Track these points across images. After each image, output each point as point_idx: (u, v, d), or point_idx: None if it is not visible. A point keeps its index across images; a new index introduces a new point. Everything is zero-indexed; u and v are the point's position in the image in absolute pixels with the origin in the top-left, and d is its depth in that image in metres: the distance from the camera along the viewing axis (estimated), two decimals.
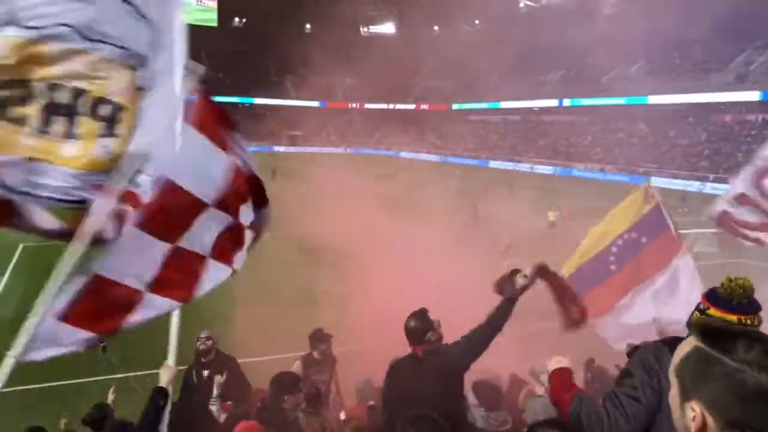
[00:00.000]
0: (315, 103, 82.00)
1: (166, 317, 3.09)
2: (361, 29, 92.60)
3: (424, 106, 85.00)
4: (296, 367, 6.16)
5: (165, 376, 3.33)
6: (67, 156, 2.30)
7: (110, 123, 2.39)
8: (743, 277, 2.36)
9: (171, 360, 3.37)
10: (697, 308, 2.47)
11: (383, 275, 8.79)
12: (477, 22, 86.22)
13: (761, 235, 5.35)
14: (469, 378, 4.06)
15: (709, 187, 43.25)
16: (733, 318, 2.29)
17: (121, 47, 2.38)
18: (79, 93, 2.32)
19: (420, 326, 3.80)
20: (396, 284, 8.36)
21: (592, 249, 5.09)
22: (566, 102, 64.81)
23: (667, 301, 6.14)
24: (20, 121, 2.22)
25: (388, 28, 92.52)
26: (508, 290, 3.82)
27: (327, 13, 60.35)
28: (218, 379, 5.70)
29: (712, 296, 2.41)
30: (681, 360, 1.24)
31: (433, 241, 16.45)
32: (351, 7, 75.39)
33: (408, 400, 3.70)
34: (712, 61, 53.76)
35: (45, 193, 2.28)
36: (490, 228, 19.41)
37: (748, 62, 50.95)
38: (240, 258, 3.15)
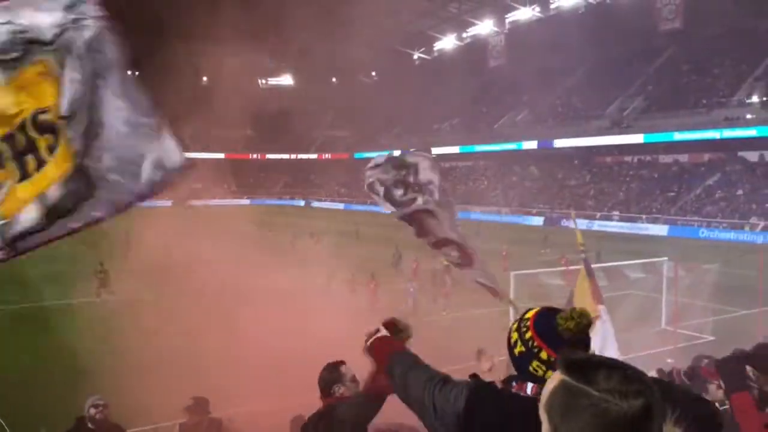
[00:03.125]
0: (214, 155, 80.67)
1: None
2: (259, 81, 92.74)
3: (327, 156, 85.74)
4: None
5: None
6: None
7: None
8: (587, 312, 1.95)
9: None
10: (533, 356, 1.96)
11: (275, 331, 8.67)
12: (374, 73, 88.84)
13: None
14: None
15: (596, 225, 46.12)
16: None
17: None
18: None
19: (327, 377, 3.62)
20: (290, 341, 8.26)
21: None
22: (461, 148, 67.43)
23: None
24: None
25: (286, 80, 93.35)
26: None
27: (223, 65, 60.05)
28: None
29: (554, 341, 1.93)
30: (549, 395, 1.23)
31: (340, 292, 16.47)
32: (247, 59, 75.47)
33: None
34: (590, 108, 58.12)
35: None
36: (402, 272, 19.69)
37: (622, 108, 55.54)
38: None
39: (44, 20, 2.51)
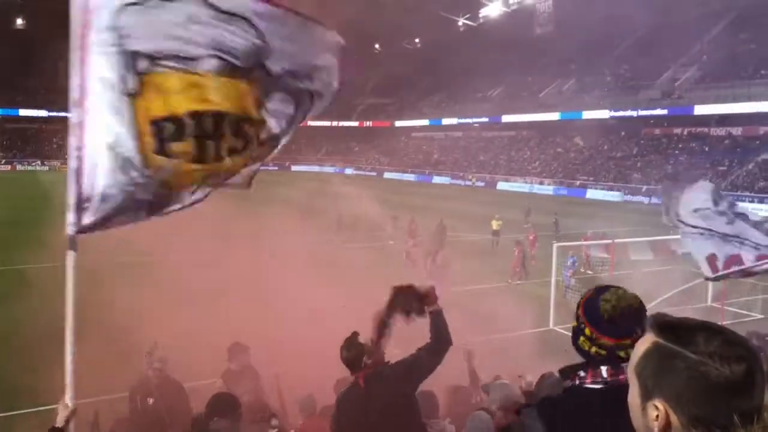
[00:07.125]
0: None
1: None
2: None
3: (368, 123, 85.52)
4: (219, 385, 5.85)
5: (62, 414, 2.93)
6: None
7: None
8: (632, 295, 2.01)
9: (69, 395, 2.89)
10: (581, 331, 2.03)
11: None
12: (417, 40, 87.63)
13: None
14: None
15: (639, 198, 45.08)
16: (611, 343, 1.95)
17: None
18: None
19: (352, 355, 3.57)
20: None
21: None
22: (505, 118, 66.27)
23: None
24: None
25: None
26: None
27: None
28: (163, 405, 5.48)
29: (595, 319, 1.99)
30: (640, 357, 1.18)
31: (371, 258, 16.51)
32: None
33: None
34: (639, 78, 56.24)
35: None
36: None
37: (674, 78, 53.58)
38: None
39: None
